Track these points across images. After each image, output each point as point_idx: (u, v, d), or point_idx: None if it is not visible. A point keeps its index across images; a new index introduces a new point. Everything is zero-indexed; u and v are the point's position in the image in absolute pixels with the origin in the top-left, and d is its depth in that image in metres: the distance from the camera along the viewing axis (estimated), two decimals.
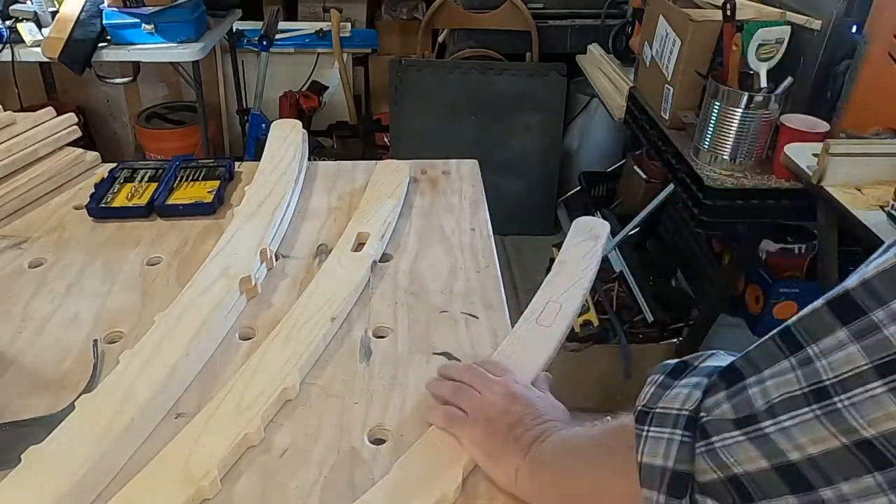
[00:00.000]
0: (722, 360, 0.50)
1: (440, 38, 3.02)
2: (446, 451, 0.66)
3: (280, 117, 2.90)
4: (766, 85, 1.49)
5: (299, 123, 1.20)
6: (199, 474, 0.62)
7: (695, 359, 0.52)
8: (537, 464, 0.61)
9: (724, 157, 1.55)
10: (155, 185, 1.10)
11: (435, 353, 0.80)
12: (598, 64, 2.52)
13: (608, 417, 0.61)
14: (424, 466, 0.64)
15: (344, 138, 3.19)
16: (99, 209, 1.05)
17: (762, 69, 1.48)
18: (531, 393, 0.71)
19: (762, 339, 0.44)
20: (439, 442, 0.67)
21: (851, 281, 0.40)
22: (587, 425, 0.63)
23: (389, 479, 0.63)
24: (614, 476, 0.54)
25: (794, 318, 0.43)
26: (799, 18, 1.56)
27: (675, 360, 0.52)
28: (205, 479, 0.62)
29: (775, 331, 0.44)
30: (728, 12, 1.54)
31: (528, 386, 0.72)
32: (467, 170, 1.19)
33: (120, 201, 1.07)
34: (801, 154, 1.44)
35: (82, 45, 2.38)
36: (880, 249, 0.41)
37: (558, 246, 1.03)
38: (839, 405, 0.38)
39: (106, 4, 2.42)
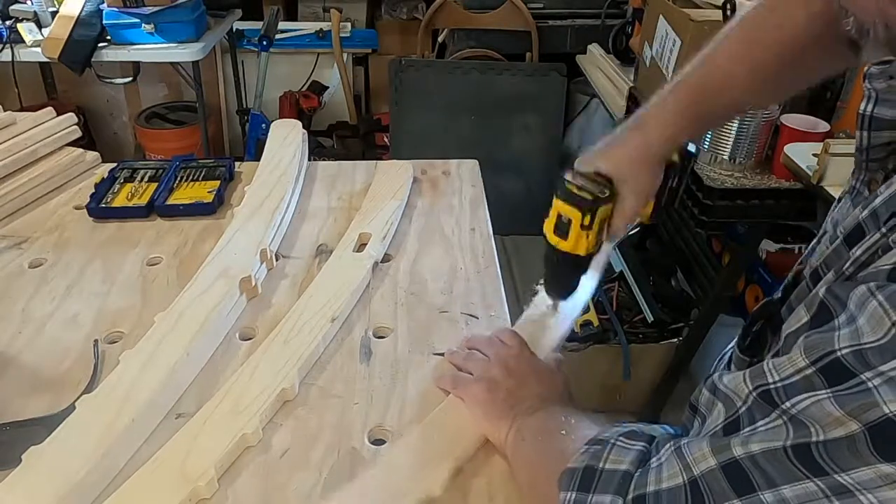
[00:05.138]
0: (627, 452, 0.52)
1: (440, 38, 3.01)
2: (436, 449, 0.66)
3: (280, 117, 2.89)
4: None
5: (299, 123, 1.20)
6: (195, 474, 0.62)
7: (598, 456, 0.53)
8: (518, 437, 0.64)
9: (724, 157, 1.55)
10: (155, 185, 1.10)
11: (435, 354, 0.80)
12: (598, 64, 2.52)
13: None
14: (412, 463, 0.64)
15: (344, 138, 3.18)
16: (99, 209, 1.05)
17: None
18: (538, 363, 0.73)
19: (671, 485, 0.47)
20: (430, 438, 0.67)
21: (739, 451, 0.44)
22: (580, 413, 0.64)
23: (377, 475, 0.63)
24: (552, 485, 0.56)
25: (699, 471, 0.46)
26: None
27: (582, 460, 0.54)
28: (201, 480, 0.62)
29: (686, 482, 0.46)
30: (728, 12, 1.54)
31: (536, 356, 0.75)
32: (467, 170, 1.19)
33: (120, 201, 1.07)
34: (801, 154, 1.44)
35: (82, 45, 2.38)
36: None
37: None
38: None
39: (106, 4, 2.41)
